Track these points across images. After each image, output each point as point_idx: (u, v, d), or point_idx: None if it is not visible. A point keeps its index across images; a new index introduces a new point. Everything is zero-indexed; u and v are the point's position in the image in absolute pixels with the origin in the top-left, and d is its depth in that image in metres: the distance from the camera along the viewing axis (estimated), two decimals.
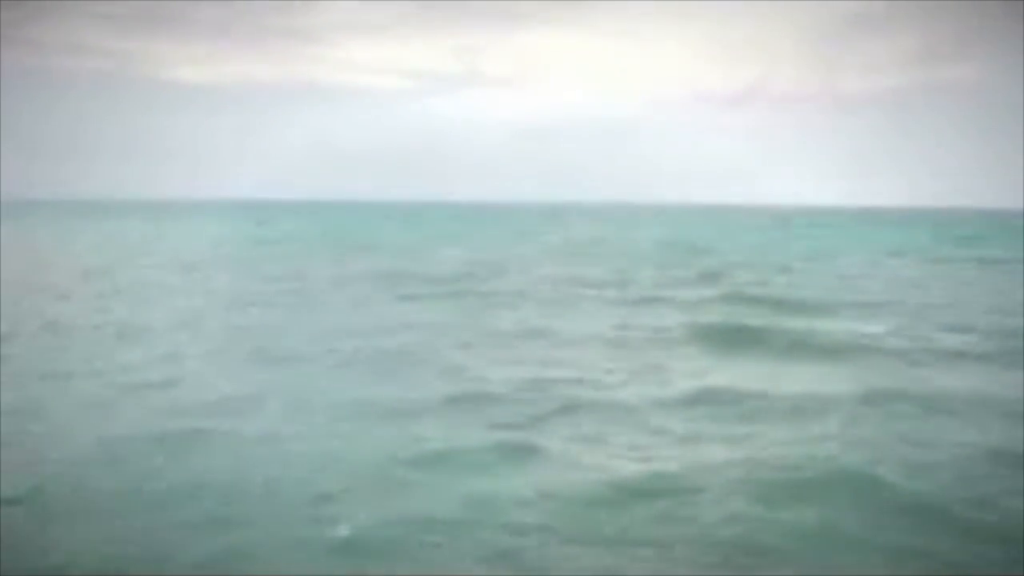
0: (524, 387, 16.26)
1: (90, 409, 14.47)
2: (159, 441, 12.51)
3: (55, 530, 9.45)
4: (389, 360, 18.99)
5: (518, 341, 21.77)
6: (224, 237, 70.93)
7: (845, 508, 10.23)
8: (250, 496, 10.45)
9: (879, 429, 13.54)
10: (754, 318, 25.17)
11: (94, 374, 17.23)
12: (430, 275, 38.91)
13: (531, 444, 12.70)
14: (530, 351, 20.44)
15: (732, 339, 22.11)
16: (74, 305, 27.88)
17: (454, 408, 14.79)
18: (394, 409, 14.61)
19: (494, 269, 42.77)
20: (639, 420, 14.26)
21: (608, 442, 13.02)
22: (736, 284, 36.25)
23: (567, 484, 11.00)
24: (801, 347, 21.13)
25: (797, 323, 24.58)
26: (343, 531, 9.51)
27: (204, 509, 10.01)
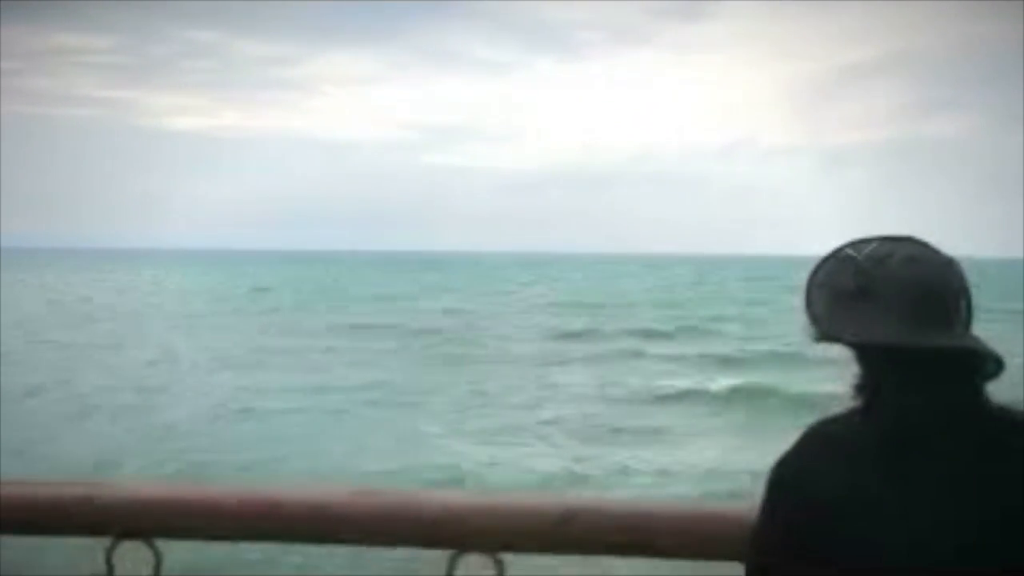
0: (490, 463, 15.13)
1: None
2: None
3: None
4: (368, 425, 18.12)
5: (496, 402, 20.89)
6: (218, 288, 70.29)
7: None
8: None
9: None
10: (747, 376, 24.35)
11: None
12: (418, 328, 38.16)
13: None
14: (506, 416, 19.42)
15: (723, 402, 21.24)
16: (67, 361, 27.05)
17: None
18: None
19: (480, 321, 42.08)
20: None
21: None
22: (727, 338, 35.57)
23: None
24: (791, 408, 20.26)
25: (788, 381, 23.74)
26: None
27: None
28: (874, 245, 1.65)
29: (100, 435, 16.71)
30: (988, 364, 1.62)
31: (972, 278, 1.65)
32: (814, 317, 1.65)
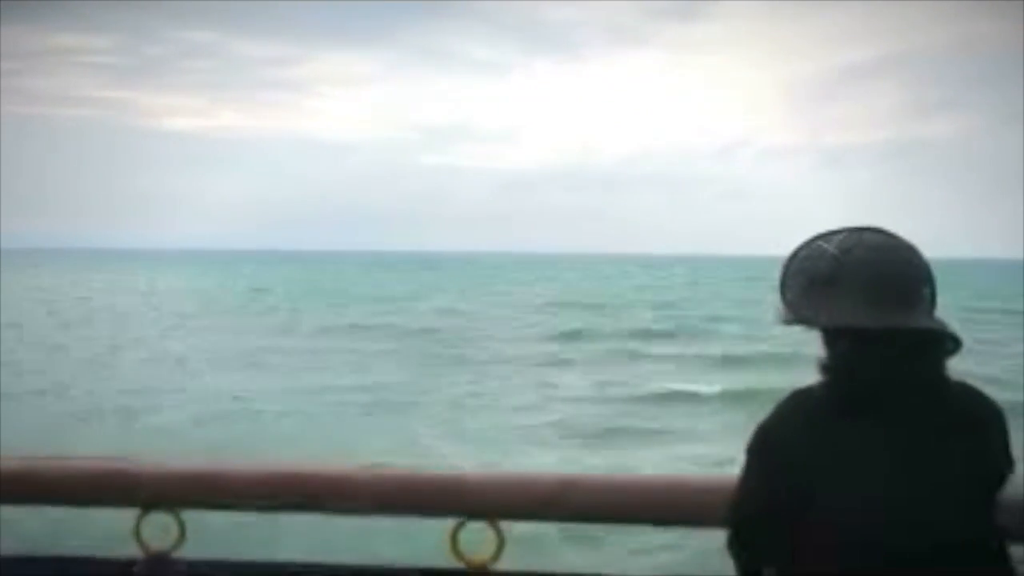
0: (488, 464, 14.97)
1: None
2: None
3: None
4: (365, 426, 18.15)
5: (494, 403, 20.91)
6: (216, 289, 70.26)
7: None
8: None
9: None
10: (746, 376, 24.39)
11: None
12: (415, 329, 38.19)
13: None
14: (504, 417, 19.42)
15: (721, 402, 21.26)
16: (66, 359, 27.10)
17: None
18: None
19: (478, 322, 42.06)
20: None
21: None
22: (726, 338, 35.61)
23: None
24: None
25: (786, 381, 23.70)
26: None
27: None
28: (843, 235, 1.79)
29: (93, 436, 16.79)
30: (947, 343, 1.76)
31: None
32: (788, 302, 1.81)
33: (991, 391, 1.85)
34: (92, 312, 46.18)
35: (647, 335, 36.69)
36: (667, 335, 37.04)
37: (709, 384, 23.52)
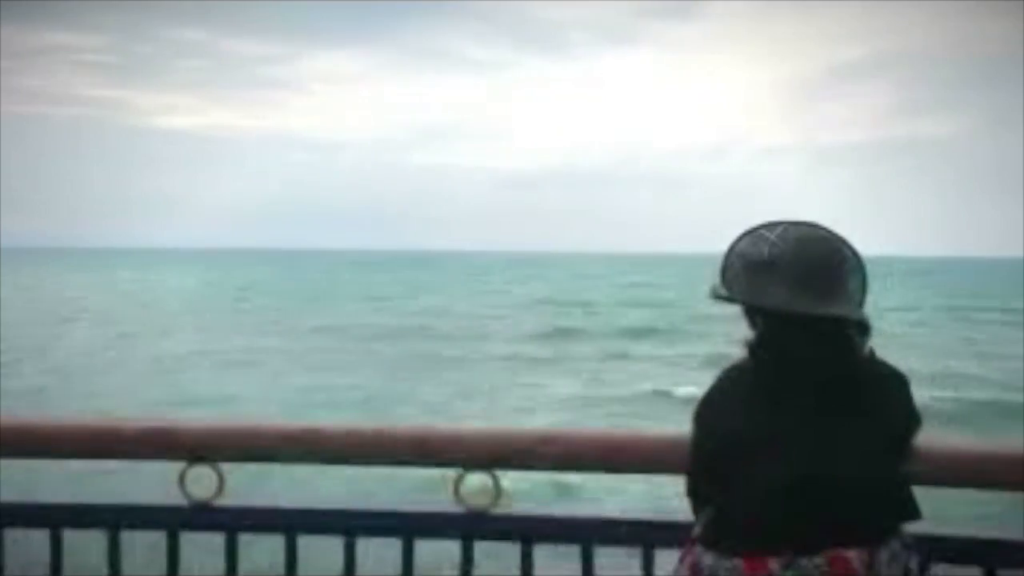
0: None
1: None
2: None
3: None
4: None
5: (483, 403, 21.11)
6: (208, 287, 70.37)
7: None
8: None
9: None
10: None
11: None
12: (406, 328, 38.40)
13: None
14: (496, 416, 19.57)
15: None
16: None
17: None
18: None
19: (473, 322, 42.30)
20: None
21: None
22: (717, 338, 35.84)
23: None
24: None
25: None
26: None
27: None
28: (784, 227, 2.00)
29: None
30: (862, 328, 1.99)
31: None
32: (725, 281, 2.03)
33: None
34: (85, 312, 46.29)
35: (640, 334, 36.92)
36: (661, 334, 37.28)
37: (702, 383, 23.81)
